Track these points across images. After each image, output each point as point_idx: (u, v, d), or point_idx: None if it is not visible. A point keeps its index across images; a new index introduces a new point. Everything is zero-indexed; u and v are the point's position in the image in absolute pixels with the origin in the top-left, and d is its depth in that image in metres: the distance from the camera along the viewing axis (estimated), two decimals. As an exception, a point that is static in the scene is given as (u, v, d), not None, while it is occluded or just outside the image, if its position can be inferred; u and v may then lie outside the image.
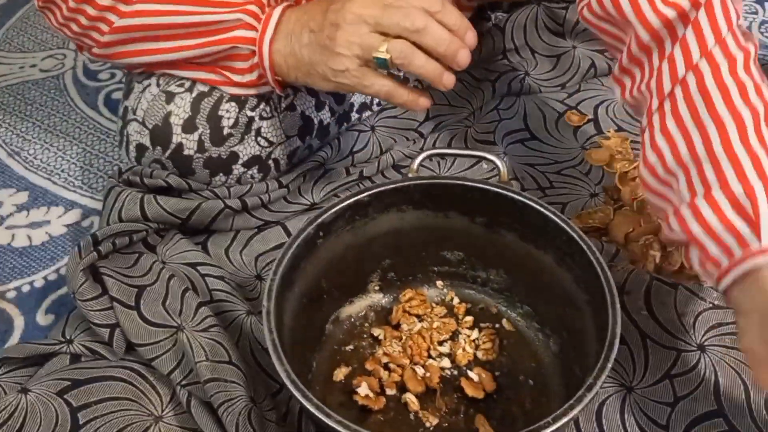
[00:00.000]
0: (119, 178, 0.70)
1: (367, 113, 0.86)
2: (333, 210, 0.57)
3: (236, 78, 0.67)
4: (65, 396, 0.56)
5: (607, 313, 0.49)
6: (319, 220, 0.57)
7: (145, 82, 0.72)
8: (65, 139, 0.88)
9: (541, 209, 0.57)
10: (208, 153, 0.69)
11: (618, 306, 0.50)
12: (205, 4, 0.64)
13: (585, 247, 0.53)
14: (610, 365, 0.46)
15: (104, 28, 0.66)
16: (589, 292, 0.54)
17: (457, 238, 0.63)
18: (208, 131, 0.69)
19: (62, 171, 0.84)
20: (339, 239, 0.59)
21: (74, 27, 0.67)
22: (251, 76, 0.66)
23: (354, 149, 0.82)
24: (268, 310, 0.50)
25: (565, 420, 0.44)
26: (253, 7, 0.64)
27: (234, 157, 0.71)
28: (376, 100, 0.86)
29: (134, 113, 0.70)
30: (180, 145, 0.68)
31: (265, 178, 0.74)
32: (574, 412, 0.44)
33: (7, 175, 0.84)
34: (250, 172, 0.72)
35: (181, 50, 0.66)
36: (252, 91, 0.68)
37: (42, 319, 0.68)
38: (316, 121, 0.77)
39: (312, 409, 0.44)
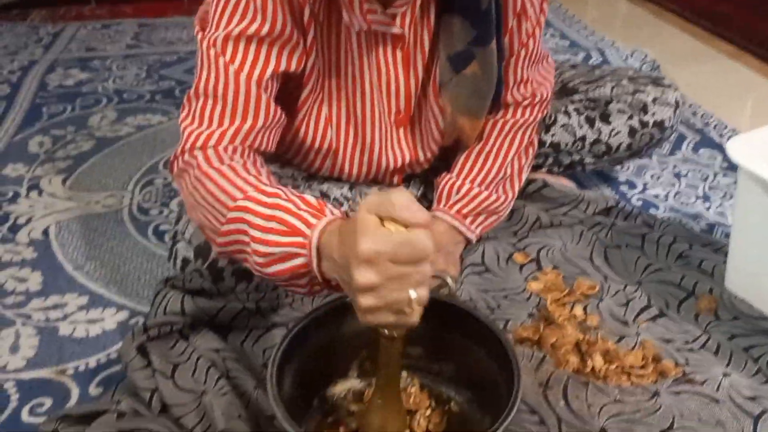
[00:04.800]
0: (166, 284, 0.92)
1: None
2: (324, 309, 0.78)
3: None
4: (114, 440, 0.74)
5: (513, 385, 0.69)
6: (313, 315, 0.78)
7: None
8: (119, 258, 1.12)
9: (472, 313, 0.78)
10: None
11: (520, 381, 0.69)
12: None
13: (501, 338, 0.74)
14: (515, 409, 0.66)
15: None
16: (506, 374, 0.73)
17: (416, 337, 0.82)
18: None
19: (116, 282, 1.06)
20: (327, 332, 0.79)
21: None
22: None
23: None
24: (271, 373, 0.69)
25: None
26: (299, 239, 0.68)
27: None
28: None
29: (183, 235, 0.93)
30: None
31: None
32: None
33: (72, 283, 1.06)
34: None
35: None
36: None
37: (93, 390, 0.87)
38: None
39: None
